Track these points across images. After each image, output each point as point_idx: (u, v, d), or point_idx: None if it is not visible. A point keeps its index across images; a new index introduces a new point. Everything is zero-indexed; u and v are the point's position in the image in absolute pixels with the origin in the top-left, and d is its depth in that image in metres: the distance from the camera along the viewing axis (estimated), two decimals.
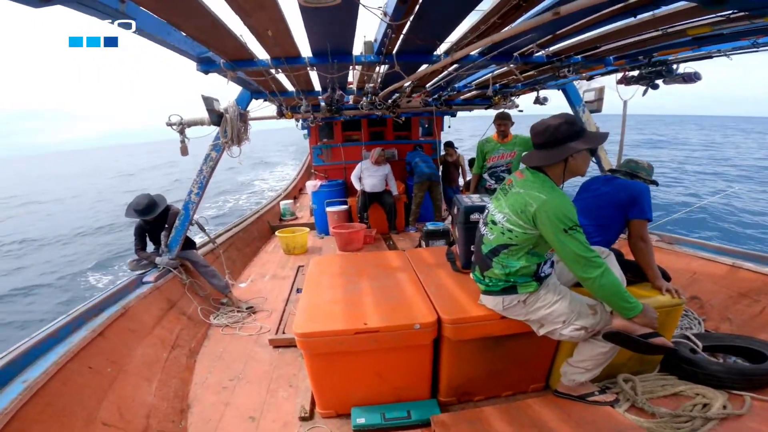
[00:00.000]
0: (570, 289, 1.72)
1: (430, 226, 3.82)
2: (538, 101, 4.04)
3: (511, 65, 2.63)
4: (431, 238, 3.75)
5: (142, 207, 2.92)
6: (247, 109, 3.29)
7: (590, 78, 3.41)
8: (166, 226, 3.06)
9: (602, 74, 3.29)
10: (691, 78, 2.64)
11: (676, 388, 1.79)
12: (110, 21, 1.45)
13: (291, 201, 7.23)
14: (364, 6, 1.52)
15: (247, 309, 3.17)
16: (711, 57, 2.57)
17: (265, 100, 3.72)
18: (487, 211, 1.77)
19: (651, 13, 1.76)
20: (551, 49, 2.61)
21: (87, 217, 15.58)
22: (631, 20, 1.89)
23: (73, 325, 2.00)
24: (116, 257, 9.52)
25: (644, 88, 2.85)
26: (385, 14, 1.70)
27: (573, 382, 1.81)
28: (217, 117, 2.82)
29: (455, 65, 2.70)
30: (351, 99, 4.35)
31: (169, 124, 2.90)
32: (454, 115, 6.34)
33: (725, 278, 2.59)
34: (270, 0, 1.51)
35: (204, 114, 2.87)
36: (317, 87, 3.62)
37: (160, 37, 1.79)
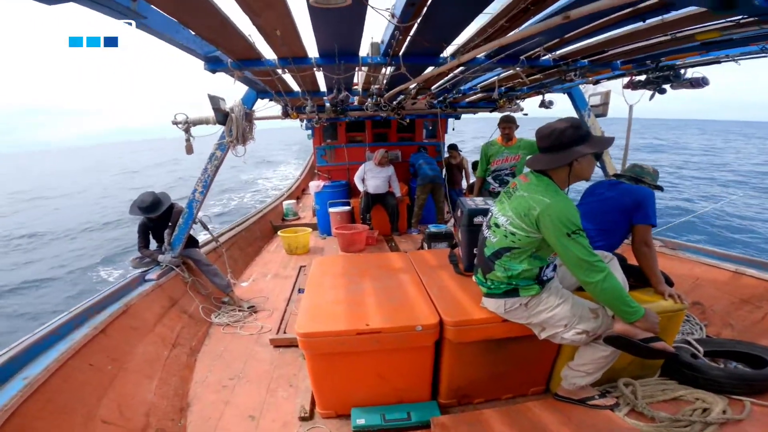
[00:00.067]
0: (572, 293, 1.71)
1: (432, 228, 3.82)
2: (544, 105, 4.03)
3: (518, 68, 2.62)
4: (434, 240, 3.75)
5: (146, 205, 2.93)
6: (253, 108, 3.31)
7: (596, 82, 3.40)
8: (170, 224, 3.07)
9: (609, 78, 3.28)
10: (699, 83, 2.61)
11: (677, 393, 1.78)
12: (125, 20, 1.45)
13: (294, 201, 7.25)
14: (372, 7, 1.53)
15: (248, 308, 3.18)
16: (719, 62, 2.55)
17: (271, 100, 3.73)
18: (490, 213, 1.77)
19: (660, 17, 1.75)
20: (558, 52, 2.60)
21: (93, 212, 15.68)
22: (639, 24, 1.88)
23: (75, 322, 2.00)
24: (124, 252, 9.60)
25: (651, 92, 2.84)
26: (393, 16, 1.71)
27: (573, 386, 1.81)
28: (222, 116, 2.83)
29: (461, 68, 2.70)
30: (356, 100, 4.35)
31: (175, 123, 2.92)
32: (458, 117, 6.34)
33: (728, 284, 2.59)
34: None
35: (209, 113, 2.88)
36: (323, 88, 3.63)
37: (169, 35, 1.80)
